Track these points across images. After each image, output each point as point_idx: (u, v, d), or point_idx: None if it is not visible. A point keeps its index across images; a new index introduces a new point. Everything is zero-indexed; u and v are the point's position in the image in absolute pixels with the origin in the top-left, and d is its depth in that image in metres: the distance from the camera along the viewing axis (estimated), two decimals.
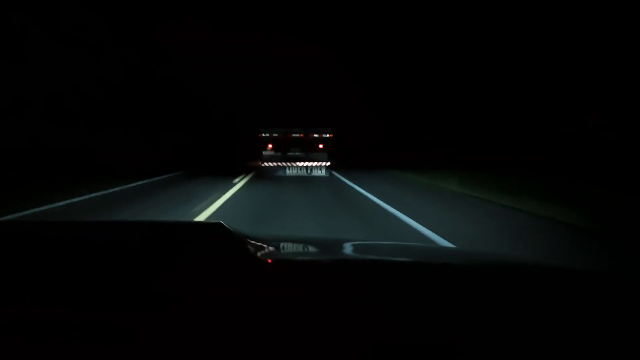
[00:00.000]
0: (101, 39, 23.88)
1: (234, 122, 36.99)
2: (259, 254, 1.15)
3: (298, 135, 15.03)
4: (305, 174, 14.24)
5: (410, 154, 22.74)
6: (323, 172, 14.28)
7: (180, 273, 0.87)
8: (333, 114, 24.90)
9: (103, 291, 0.75)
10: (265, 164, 14.54)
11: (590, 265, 3.66)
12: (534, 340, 0.64)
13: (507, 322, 0.69)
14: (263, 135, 15.10)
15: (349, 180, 12.84)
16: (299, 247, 1.51)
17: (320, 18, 38.64)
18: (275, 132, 15.08)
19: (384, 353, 0.59)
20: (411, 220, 6.06)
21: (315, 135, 14.95)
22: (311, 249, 1.48)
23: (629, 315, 0.74)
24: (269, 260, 1.12)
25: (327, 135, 14.99)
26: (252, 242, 1.19)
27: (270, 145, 14.94)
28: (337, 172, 15.35)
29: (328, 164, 14.45)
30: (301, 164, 14.42)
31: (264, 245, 1.24)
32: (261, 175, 14.26)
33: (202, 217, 6.40)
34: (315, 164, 14.37)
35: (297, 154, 14.72)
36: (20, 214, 6.77)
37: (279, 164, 14.46)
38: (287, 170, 14.33)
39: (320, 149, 14.79)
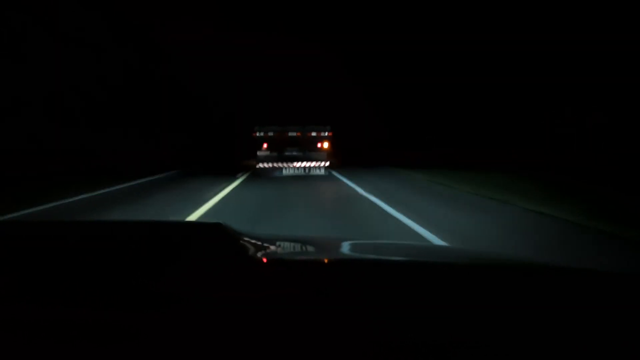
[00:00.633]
0: (101, 39, 23.90)
1: (234, 122, 36.99)
2: (258, 253, 1.15)
3: (295, 133, 14.05)
4: (303, 174, 13.42)
5: (410, 153, 22.67)
6: (322, 173, 13.58)
7: (179, 273, 0.87)
8: (333, 113, 24.80)
9: (102, 291, 0.75)
10: (261, 164, 13.68)
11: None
12: (533, 339, 0.63)
13: (507, 320, 0.69)
14: (257, 134, 14.07)
15: (351, 181, 11.70)
16: (297, 247, 1.51)
17: (320, 18, 38.68)
18: (270, 131, 14.06)
19: (382, 352, 0.59)
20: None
21: (314, 134, 14.03)
22: (309, 248, 1.48)
23: (629, 314, 0.73)
24: (267, 260, 1.12)
25: (326, 134, 14.07)
26: (252, 241, 1.19)
27: (265, 145, 13.95)
28: (339, 173, 13.95)
29: (327, 164, 13.74)
30: (298, 164, 13.65)
31: (264, 245, 1.24)
32: (258, 175, 13.52)
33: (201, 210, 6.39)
34: (313, 164, 13.65)
35: (294, 153, 13.81)
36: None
37: (275, 164, 13.64)
38: (284, 171, 13.53)
39: (319, 148, 13.93)
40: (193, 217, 6.41)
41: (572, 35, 18.84)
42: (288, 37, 35.91)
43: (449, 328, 0.66)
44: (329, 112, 24.71)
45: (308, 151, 13.82)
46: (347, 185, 11.07)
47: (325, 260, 1.26)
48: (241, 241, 1.16)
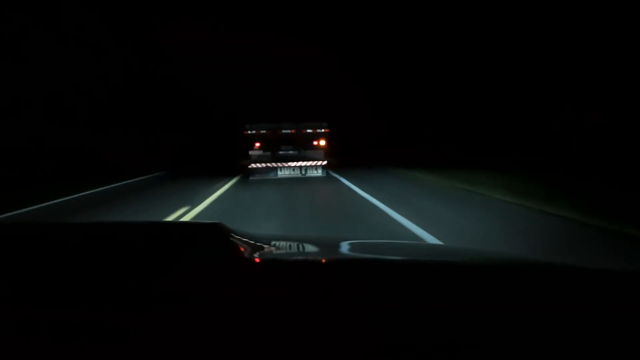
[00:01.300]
0: (101, 39, 23.92)
1: (233, 122, 37.04)
2: (256, 253, 1.15)
3: (289, 131, 13.12)
4: (300, 175, 12.64)
5: (411, 152, 22.59)
6: (320, 174, 12.72)
7: (179, 273, 0.88)
8: (332, 112, 24.68)
9: (101, 291, 0.75)
10: (253, 165, 12.72)
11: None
12: (533, 337, 0.63)
13: (506, 319, 0.69)
14: (249, 132, 13.08)
15: (353, 183, 10.35)
16: (295, 247, 1.51)
17: (320, 18, 38.69)
18: (263, 129, 13.10)
19: (378, 352, 0.59)
20: None
21: (309, 131, 13.09)
22: (306, 248, 1.48)
23: (629, 312, 0.73)
24: (265, 260, 1.12)
25: (323, 131, 13.12)
26: (251, 242, 1.20)
27: (257, 144, 12.99)
28: (340, 174, 13.00)
29: (324, 163, 12.83)
30: (294, 164, 12.70)
31: (262, 245, 1.24)
32: (249, 177, 12.65)
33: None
34: (310, 163, 12.72)
35: (289, 152, 12.91)
36: None
37: (269, 164, 12.69)
38: (279, 172, 12.62)
39: (315, 146, 13.01)
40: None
41: (572, 35, 18.85)
42: (288, 37, 35.93)
43: (448, 327, 0.66)
44: (328, 111, 24.60)
45: (304, 149, 12.94)
46: (355, 191, 9.04)
47: (323, 260, 1.26)
48: (240, 241, 1.16)
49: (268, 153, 12.80)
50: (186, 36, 32.72)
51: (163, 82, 31.34)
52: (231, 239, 1.15)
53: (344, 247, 1.44)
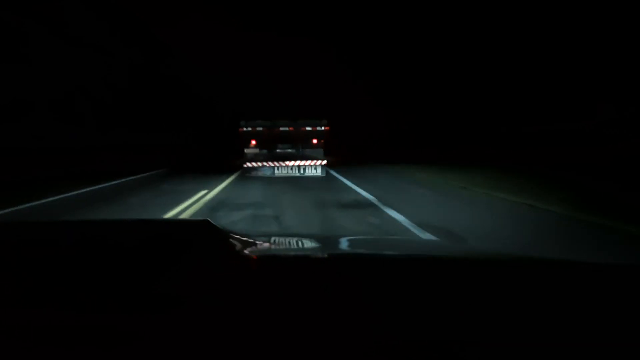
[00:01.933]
0: (108, 41, 24.08)
1: (238, 120, 37.02)
2: (245, 250, 1.13)
3: (287, 128, 12.30)
4: (298, 175, 11.96)
5: (411, 151, 22.45)
6: (319, 174, 11.96)
7: (176, 273, 0.87)
8: (334, 111, 24.42)
9: (99, 293, 0.75)
10: (249, 164, 12.03)
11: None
12: (532, 334, 0.62)
13: (506, 317, 0.68)
14: (244, 129, 12.29)
15: (356, 185, 9.48)
16: (285, 243, 1.49)
17: (320, 18, 38.60)
18: (259, 126, 12.28)
19: (377, 349, 0.59)
20: None
21: (308, 128, 12.28)
22: (298, 244, 1.47)
23: (627, 307, 0.72)
24: (255, 257, 1.11)
25: (322, 128, 12.33)
26: (239, 238, 1.19)
27: (253, 142, 12.27)
28: (340, 174, 12.24)
29: (324, 162, 12.10)
30: (292, 163, 11.98)
31: (251, 242, 1.23)
32: (244, 178, 11.97)
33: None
34: (308, 162, 12.00)
35: (286, 151, 12.26)
36: None
37: (265, 164, 11.99)
38: (276, 171, 11.91)
39: (314, 144, 12.30)
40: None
41: (576, 31, 18.69)
42: (287, 37, 35.91)
43: (448, 325, 0.65)
44: (329, 109, 24.39)
45: (302, 148, 12.25)
46: (355, 191, 8.45)
47: (315, 257, 1.25)
48: (228, 238, 1.17)
49: (264, 151, 12.19)
50: (191, 35, 32.85)
51: (169, 82, 31.46)
52: (221, 235, 1.16)
53: (340, 243, 1.43)
